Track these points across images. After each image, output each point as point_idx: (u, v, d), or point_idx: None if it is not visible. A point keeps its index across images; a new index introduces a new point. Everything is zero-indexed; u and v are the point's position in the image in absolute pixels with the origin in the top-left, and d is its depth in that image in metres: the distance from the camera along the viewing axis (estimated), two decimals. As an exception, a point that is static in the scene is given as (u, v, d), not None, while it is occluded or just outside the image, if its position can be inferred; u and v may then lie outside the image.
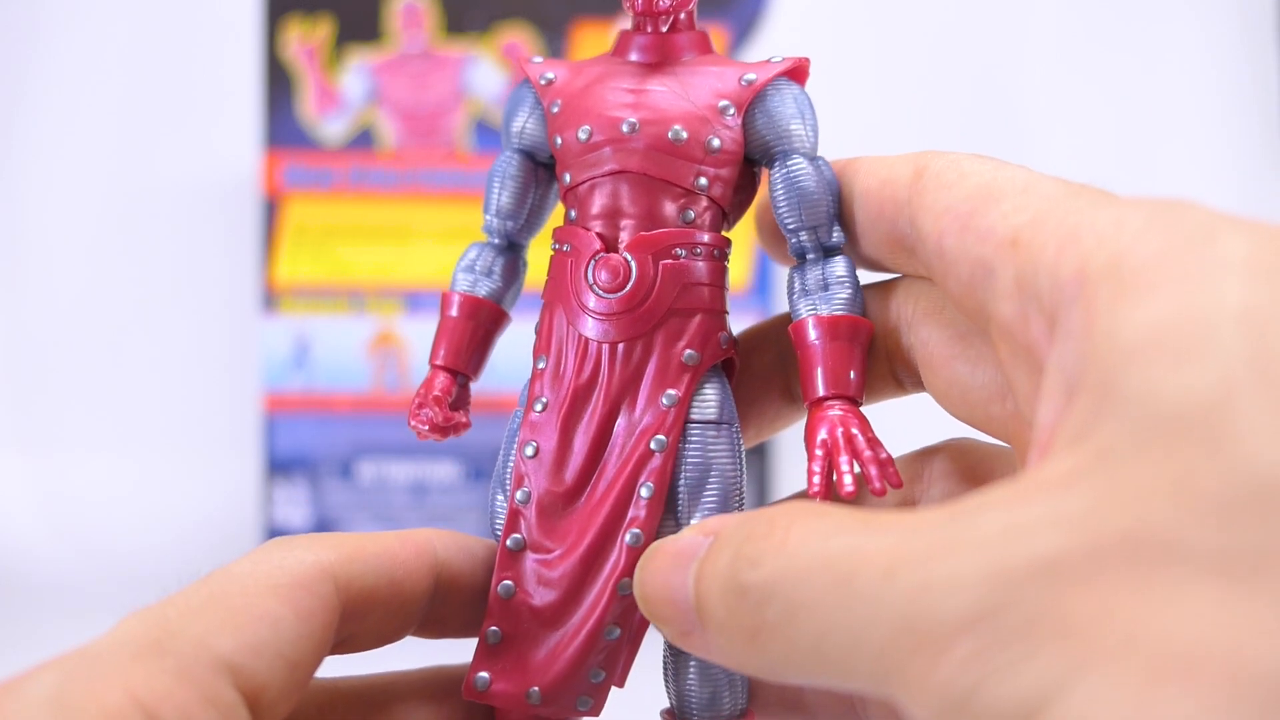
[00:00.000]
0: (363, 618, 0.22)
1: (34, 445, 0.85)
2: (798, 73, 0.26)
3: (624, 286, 0.24)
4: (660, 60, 0.25)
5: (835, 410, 0.24)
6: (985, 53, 0.88)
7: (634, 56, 0.26)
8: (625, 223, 0.25)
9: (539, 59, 0.27)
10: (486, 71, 0.74)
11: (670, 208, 0.25)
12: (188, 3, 0.86)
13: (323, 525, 0.73)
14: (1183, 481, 0.15)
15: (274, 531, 0.73)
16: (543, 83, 0.26)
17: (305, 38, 0.73)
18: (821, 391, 0.24)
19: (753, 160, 0.26)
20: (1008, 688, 0.15)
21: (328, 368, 0.73)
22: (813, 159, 0.25)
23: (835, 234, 0.25)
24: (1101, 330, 0.17)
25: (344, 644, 0.23)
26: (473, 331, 0.27)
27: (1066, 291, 0.18)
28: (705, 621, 0.20)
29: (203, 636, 0.19)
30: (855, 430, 0.24)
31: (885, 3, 0.88)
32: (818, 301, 0.25)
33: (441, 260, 0.73)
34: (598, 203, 0.25)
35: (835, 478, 0.23)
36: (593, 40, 0.73)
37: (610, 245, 0.25)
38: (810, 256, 0.25)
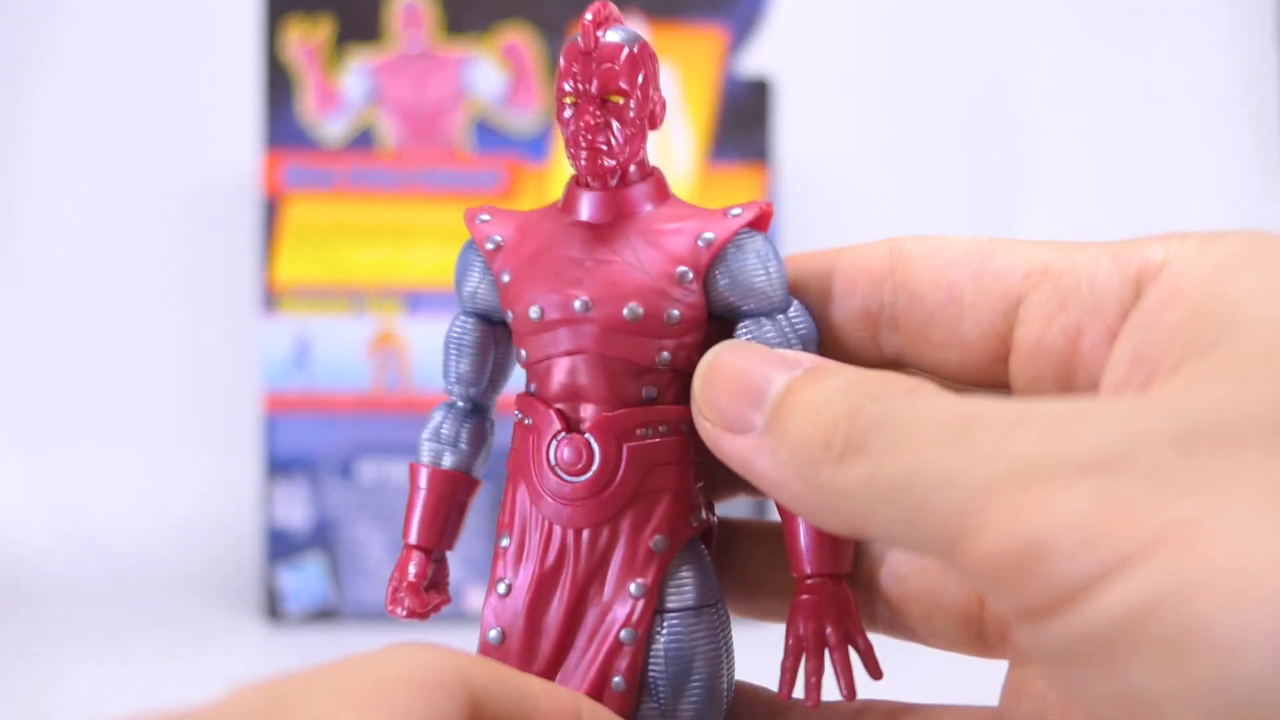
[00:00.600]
0: None
1: (34, 445, 0.85)
2: (759, 221, 0.24)
3: (587, 470, 0.23)
4: (613, 219, 0.24)
5: (813, 596, 0.23)
6: (985, 53, 0.88)
7: (584, 215, 0.24)
8: (585, 403, 0.24)
9: (485, 216, 0.25)
10: (486, 71, 0.74)
11: (631, 386, 0.23)
12: (188, 3, 0.86)
13: (323, 525, 0.73)
14: None
15: (274, 531, 0.73)
16: (489, 247, 0.24)
17: (305, 38, 0.73)
18: (807, 569, 0.23)
19: (719, 317, 0.24)
20: (1130, 527, 0.14)
21: (328, 368, 0.73)
22: (777, 315, 0.24)
23: None
24: (1196, 292, 0.18)
25: None
26: (442, 507, 0.26)
27: (1136, 287, 0.19)
28: (778, 427, 0.19)
29: (321, 717, 0.17)
30: (829, 627, 0.23)
31: (886, 2, 0.88)
32: None
33: (441, 260, 0.73)
34: (556, 380, 0.24)
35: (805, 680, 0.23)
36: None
37: (572, 425, 0.24)
38: None
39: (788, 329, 0.23)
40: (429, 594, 0.25)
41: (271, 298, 0.73)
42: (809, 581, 0.23)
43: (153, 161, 0.86)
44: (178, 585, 0.77)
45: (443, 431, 0.26)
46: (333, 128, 0.73)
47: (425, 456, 0.26)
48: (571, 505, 0.23)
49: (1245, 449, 0.15)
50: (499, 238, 0.24)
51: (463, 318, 0.25)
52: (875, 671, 0.23)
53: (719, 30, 0.74)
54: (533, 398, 0.24)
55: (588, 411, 0.24)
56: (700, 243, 0.23)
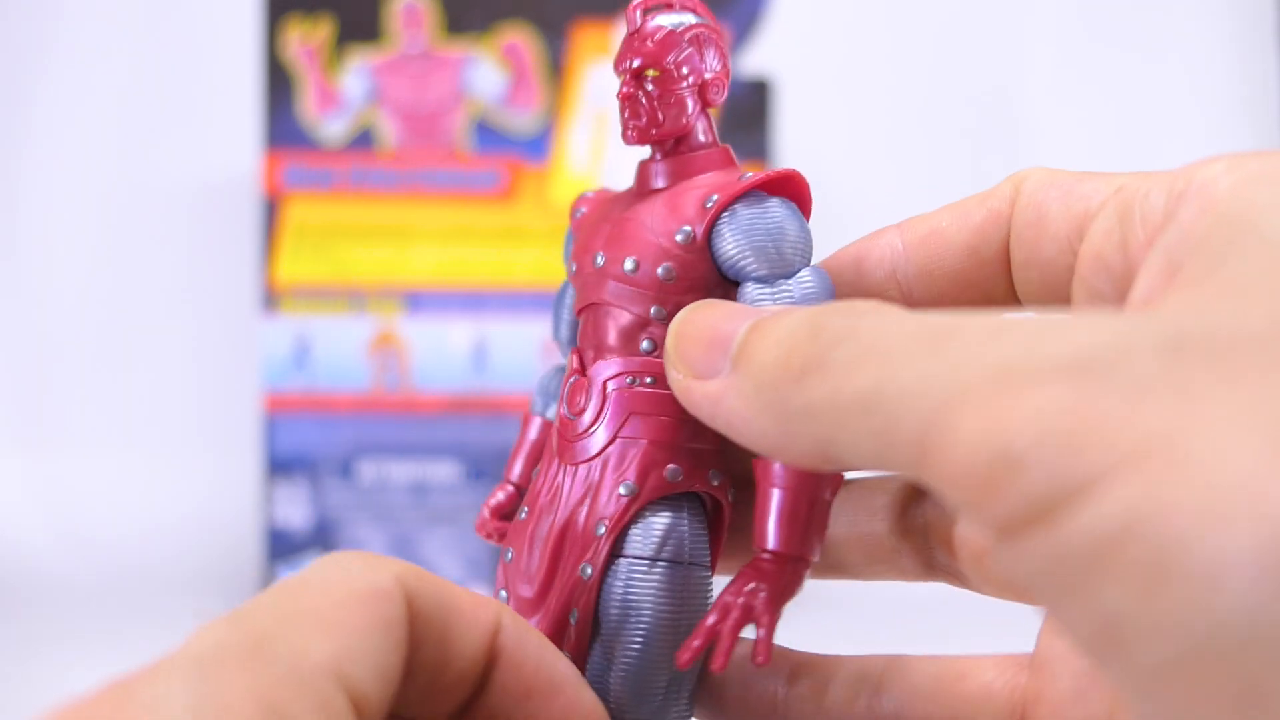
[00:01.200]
0: (419, 645, 0.20)
1: (34, 445, 0.85)
2: (775, 184, 0.24)
3: (584, 411, 0.25)
4: (671, 183, 0.25)
5: (762, 568, 0.23)
6: (986, 53, 0.88)
7: (638, 183, 0.26)
8: (596, 351, 0.25)
9: (590, 193, 0.27)
10: (486, 71, 0.74)
11: (631, 337, 0.24)
12: (188, 3, 0.86)
13: (323, 525, 0.73)
14: None
15: (274, 531, 0.73)
16: (576, 216, 0.27)
17: (305, 38, 0.73)
18: (769, 545, 0.23)
19: (734, 281, 0.25)
20: (1107, 438, 0.14)
21: (328, 368, 0.73)
22: (779, 280, 0.24)
23: None
24: (1225, 203, 0.17)
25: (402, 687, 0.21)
26: (535, 451, 0.28)
27: (1182, 196, 0.19)
28: (741, 362, 0.19)
29: (303, 644, 0.18)
30: (757, 599, 0.23)
31: (886, 2, 0.88)
32: None
33: (441, 260, 0.73)
34: (583, 329, 0.26)
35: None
36: (593, 40, 0.73)
37: (585, 369, 0.25)
38: None
39: (784, 297, 0.24)
40: (504, 522, 0.27)
41: (271, 298, 0.73)
42: (765, 555, 0.23)
43: (153, 161, 0.86)
44: (178, 585, 0.77)
45: (550, 387, 0.28)
46: (333, 128, 0.73)
47: (535, 407, 0.28)
48: (568, 442, 0.25)
49: (1234, 362, 0.14)
50: (584, 209, 0.27)
51: (565, 282, 0.27)
52: (757, 655, 0.22)
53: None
54: (573, 347, 0.26)
55: (596, 359, 0.25)
56: (707, 204, 0.24)
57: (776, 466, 0.23)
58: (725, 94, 0.26)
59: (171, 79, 0.86)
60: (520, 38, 0.74)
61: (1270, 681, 0.12)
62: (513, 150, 0.74)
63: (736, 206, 0.24)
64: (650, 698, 0.24)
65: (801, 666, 0.25)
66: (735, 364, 0.20)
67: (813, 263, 0.24)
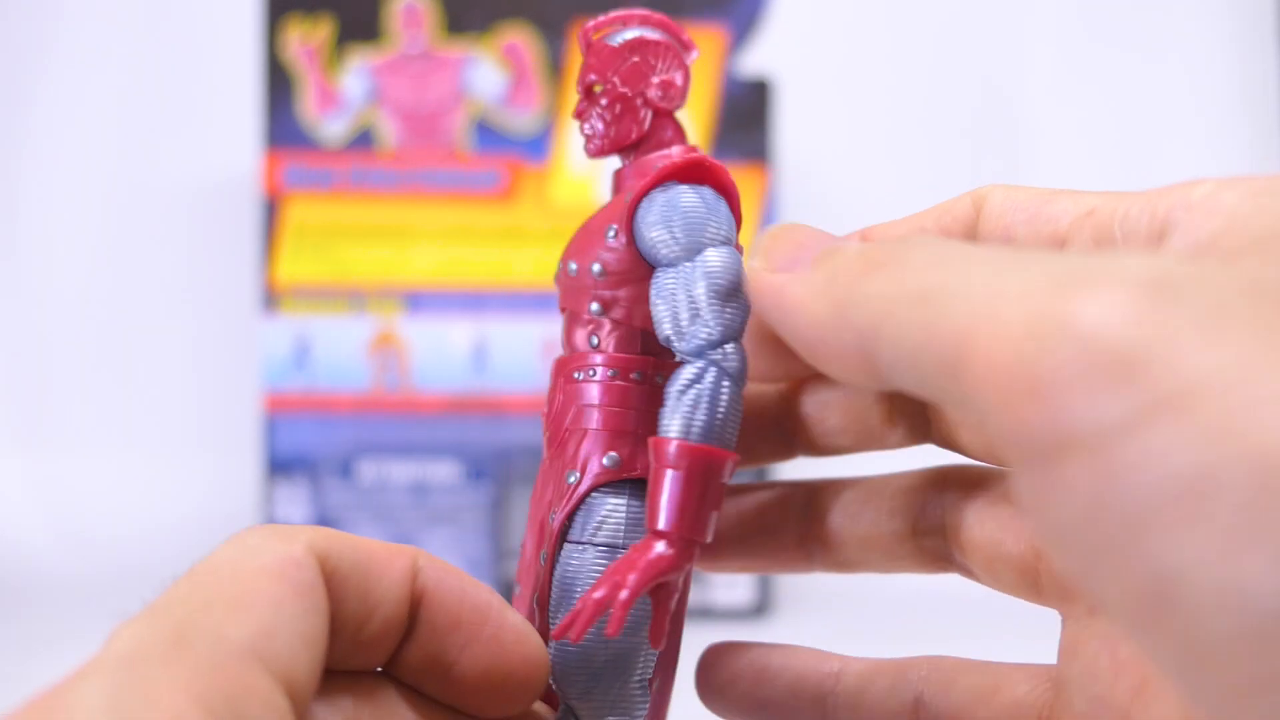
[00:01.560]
0: (341, 601, 0.21)
1: (34, 445, 0.85)
2: (690, 171, 0.25)
3: (551, 408, 0.26)
4: (630, 186, 0.26)
5: (647, 544, 0.23)
6: (985, 53, 0.88)
7: (618, 188, 0.27)
8: (563, 350, 0.26)
9: None
10: (486, 71, 0.74)
11: (579, 334, 0.26)
12: (188, 3, 0.86)
13: (323, 525, 0.73)
14: None
15: (274, 531, 0.73)
16: None
17: (305, 38, 0.73)
18: (660, 525, 0.23)
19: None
20: (1182, 354, 0.12)
21: (328, 368, 0.73)
22: (683, 262, 0.24)
23: (702, 333, 0.24)
24: (1233, 208, 0.18)
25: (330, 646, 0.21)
26: None
27: (1166, 219, 0.19)
28: (822, 261, 0.20)
29: (218, 629, 0.18)
30: (632, 574, 0.23)
31: (886, 2, 0.88)
32: (687, 415, 0.23)
33: (441, 260, 0.73)
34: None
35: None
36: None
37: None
38: (678, 355, 0.24)
39: (684, 277, 0.24)
40: None
41: (271, 298, 0.73)
42: (653, 534, 0.23)
43: (153, 161, 0.86)
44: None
45: None
46: (333, 128, 0.73)
47: None
48: (545, 440, 0.26)
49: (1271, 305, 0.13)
50: None
51: None
52: (610, 627, 0.22)
53: (719, 30, 0.74)
54: None
55: (561, 357, 0.27)
56: (627, 199, 0.25)
57: (672, 446, 0.23)
58: (682, 98, 0.26)
59: (171, 79, 0.86)
60: (520, 38, 0.74)
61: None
62: (513, 150, 0.74)
63: (654, 195, 0.25)
64: (585, 675, 0.24)
65: (844, 670, 0.25)
66: (815, 264, 0.20)
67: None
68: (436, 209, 0.74)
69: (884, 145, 0.86)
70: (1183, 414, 0.12)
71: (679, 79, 0.26)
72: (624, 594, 0.22)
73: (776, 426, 0.27)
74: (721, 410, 0.23)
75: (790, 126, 0.76)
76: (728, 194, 0.25)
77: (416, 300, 0.73)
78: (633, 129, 0.26)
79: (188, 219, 0.86)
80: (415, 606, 0.22)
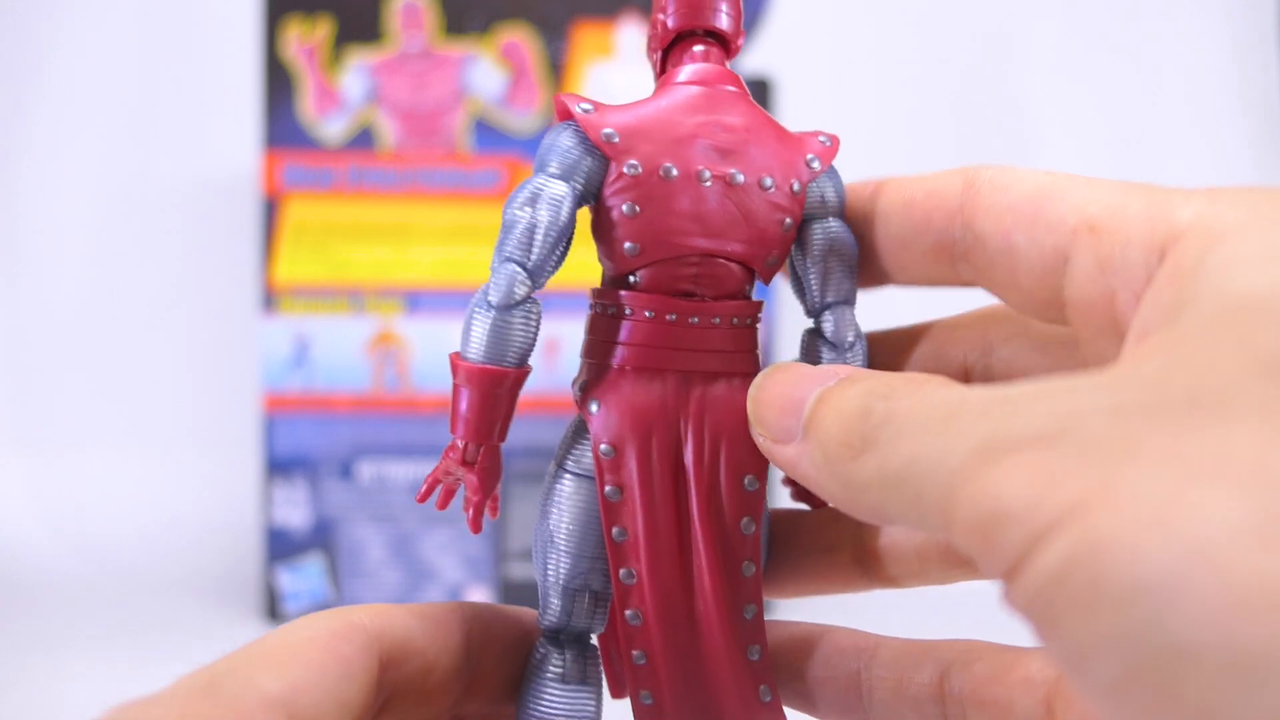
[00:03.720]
0: (400, 665, 0.23)
1: (34, 445, 0.85)
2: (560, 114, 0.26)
3: None
4: None
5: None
6: (986, 53, 0.88)
7: None
8: None
9: None
10: (486, 71, 0.74)
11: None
12: (188, 3, 0.86)
13: (322, 525, 0.73)
14: (1245, 347, 0.16)
15: (274, 531, 0.73)
16: None
17: (305, 38, 0.73)
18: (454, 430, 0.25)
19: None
20: (1059, 493, 0.16)
21: (327, 368, 0.73)
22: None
23: None
24: (1188, 266, 0.19)
25: (391, 706, 0.24)
26: None
27: (1160, 256, 0.20)
28: (811, 432, 0.22)
29: (249, 678, 0.20)
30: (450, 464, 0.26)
31: (886, 3, 0.88)
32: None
33: (441, 260, 0.73)
34: None
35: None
36: (593, 40, 0.73)
37: None
38: None
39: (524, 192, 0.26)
40: None
41: (271, 297, 0.73)
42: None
43: (152, 161, 0.86)
44: (178, 585, 0.77)
45: None
46: (332, 127, 0.73)
47: None
48: None
49: (1164, 419, 0.16)
50: None
51: None
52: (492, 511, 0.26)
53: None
54: None
55: None
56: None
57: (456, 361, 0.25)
58: (656, 43, 0.27)
59: (171, 79, 0.86)
60: (520, 37, 0.74)
61: (1198, 695, 0.14)
62: (513, 150, 0.73)
63: None
64: (540, 585, 0.26)
65: (880, 646, 0.27)
66: (806, 432, 0.22)
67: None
68: (436, 209, 0.73)
69: (884, 144, 0.86)
70: (1061, 529, 0.15)
71: (653, 23, 0.27)
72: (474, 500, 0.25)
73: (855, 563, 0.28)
74: (468, 331, 0.25)
75: (790, 126, 0.76)
76: (573, 120, 0.25)
77: (416, 300, 0.73)
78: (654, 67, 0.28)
79: (187, 218, 0.86)
80: (476, 653, 0.25)
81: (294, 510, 0.73)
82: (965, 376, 0.27)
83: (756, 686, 0.25)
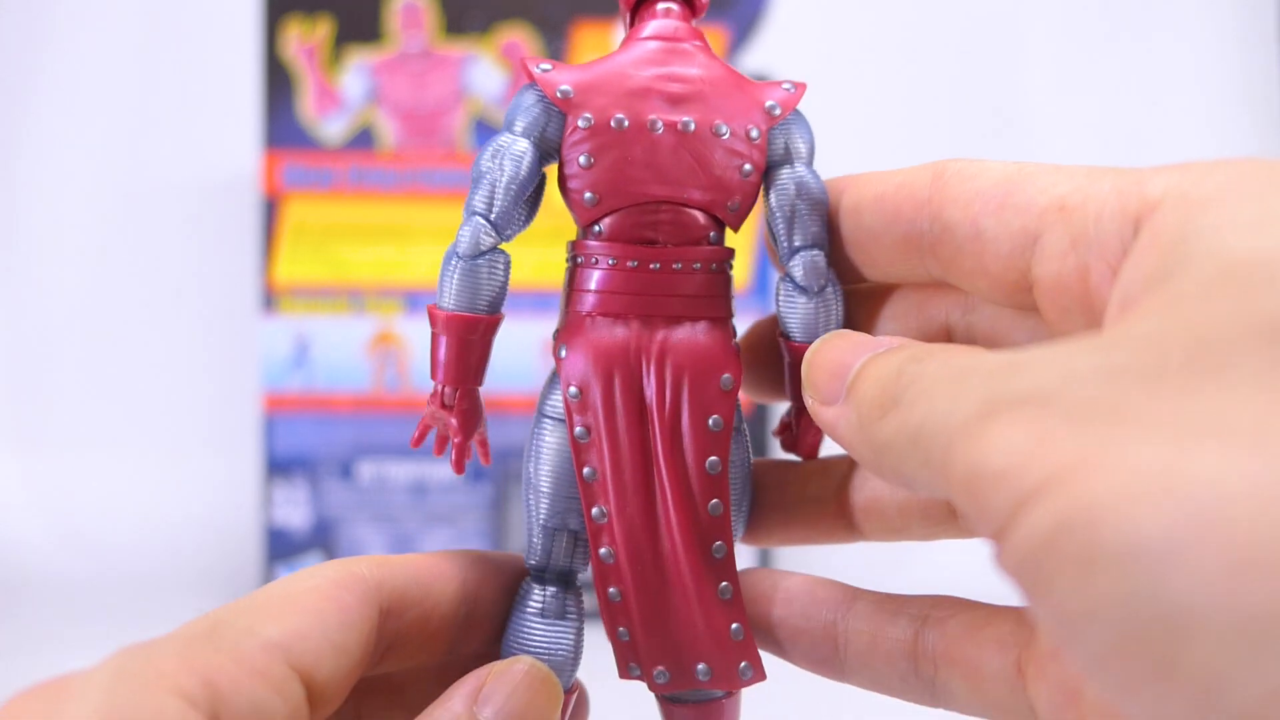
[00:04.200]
0: (400, 614, 0.24)
1: (34, 445, 0.85)
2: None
3: None
4: None
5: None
6: (986, 51, 0.88)
7: None
8: None
9: None
10: (486, 71, 0.74)
11: None
12: (188, 3, 0.86)
13: (322, 525, 0.73)
14: (1245, 309, 0.16)
15: (274, 532, 0.73)
16: None
17: (305, 38, 0.73)
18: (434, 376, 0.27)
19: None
20: (1046, 456, 0.16)
21: (327, 368, 0.73)
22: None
23: None
24: (1171, 233, 0.19)
25: (392, 652, 0.25)
26: None
27: (1135, 228, 0.20)
28: (851, 394, 0.22)
29: (250, 625, 0.21)
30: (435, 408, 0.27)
31: (886, 3, 0.88)
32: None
33: (440, 260, 0.73)
34: None
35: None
36: (593, 40, 0.73)
37: None
38: None
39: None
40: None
41: (271, 297, 0.73)
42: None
43: (153, 161, 0.86)
44: (178, 585, 0.77)
45: None
46: (332, 127, 0.73)
47: None
48: None
49: (1161, 381, 0.16)
50: None
51: None
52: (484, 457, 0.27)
53: (719, 30, 0.74)
54: None
55: None
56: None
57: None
58: (624, 2, 0.28)
59: (171, 79, 0.86)
60: (520, 37, 0.73)
61: (1197, 662, 0.14)
62: (512, 150, 0.73)
63: None
64: (525, 526, 0.27)
65: (857, 599, 0.27)
66: (848, 395, 0.22)
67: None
68: (436, 209, 0.73)
69: (884, 144, 0.86)
70: (1050, 492, 0.15)
71: None
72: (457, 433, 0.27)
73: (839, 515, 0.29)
74: (442, 282, 0.27)
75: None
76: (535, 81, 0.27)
77: (416, 300, 0.73)
78: None
79: (187, 219, 0.86)
80: (472, 598, 0.26)
81: (294, 510, 0.73)
82: (947, 335, 0.27)
83: (729, 624, 0.26)
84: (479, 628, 0.26)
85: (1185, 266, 0.18)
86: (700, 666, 0.26)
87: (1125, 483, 0.15)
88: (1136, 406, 0.15)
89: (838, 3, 0.87)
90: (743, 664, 0.26)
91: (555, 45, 0.73)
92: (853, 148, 0.88)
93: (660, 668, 0.26)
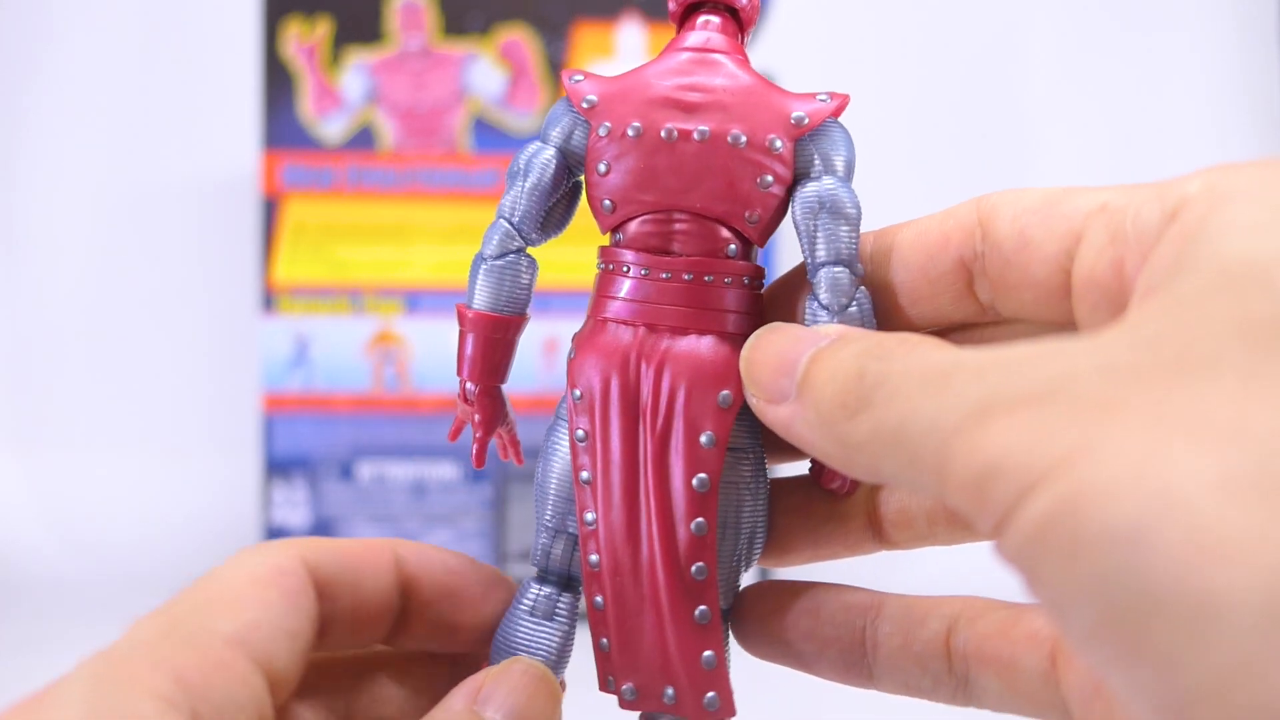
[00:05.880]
0: (333, 598, 0.24)
1: (34, 445, 0.85)
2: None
3: None
4: None
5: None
6: (987, 51, 0.88)
7: None
8: None
9: None
10: (486, 71, 0.74)
11: None
12: (188, 3, 0.86)
13: (322, 526, 0.73)
14: (1234, 312, 0.17)
15: (273, 532, 0.73)
16: None
17: (305, 38, 0.73)
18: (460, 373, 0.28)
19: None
20: (1045, 450, 0.16)
21: (327, 368, 0.73)
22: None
23: None
24: (1192, 226, 0.19)
25: (325, 634, 0.25)
26: None
27: (1172, 219, 0.20)
28: (804, 393, 0.22)
29: (206, 623, 0.22)
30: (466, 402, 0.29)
31: (886, 3, 0.88)
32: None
33: (441, 260, 0.73)
34: None
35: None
36: (593, 40, 0.73)
37: None
38: None
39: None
40: None
41: (270, 297, 0.73)
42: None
43: (152, 161, 0.86)
44: (178, 585, 0.76)
45: None
46: (332, 127, 0.73)
47: None
48: None
49: (1150, 379, 0.16)
50: None
51: None
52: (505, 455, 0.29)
53: (719, 30, 0.74)
54: None
55: None
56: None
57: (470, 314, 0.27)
58: (672, 13, 0.28)
59: (171, 79, 0.86)
60: (520, 37, 0.73)
61: (1160, 641, 0.15)
62: (512, 150, 0.73)
63: None
64: (536, 524, 0.27)
65: (886, 604, 0.27)
66: (800, 392, 0.22)
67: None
68: (436, 209, 0.73)
69: (884, 144, 0.86)
70: (1047, 482, 0.16)
71: None
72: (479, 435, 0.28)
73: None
74: (471, 283, 0.28)
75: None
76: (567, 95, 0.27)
77: (416, 300, 0.73)
78: None
79: (187, 219, 0.86)
80: (406, 589, 0.26)
81: (294, 510, 0.73)
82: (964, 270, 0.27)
83: (700, 651, 0.25)
84: (417, 619, 0.26)
85: (1192, 265, 0.19)
86: (668, 690, 0.25)
87: (1108, 472, 0.15)
88: (1127, 401, 0.16)
89: (838, 2, 0.87)
90: (710, 694, 0.25)
91: (555, 45, 0.73)
92: (855, 146, 0.88)
93: (629, 684, 0.25)
